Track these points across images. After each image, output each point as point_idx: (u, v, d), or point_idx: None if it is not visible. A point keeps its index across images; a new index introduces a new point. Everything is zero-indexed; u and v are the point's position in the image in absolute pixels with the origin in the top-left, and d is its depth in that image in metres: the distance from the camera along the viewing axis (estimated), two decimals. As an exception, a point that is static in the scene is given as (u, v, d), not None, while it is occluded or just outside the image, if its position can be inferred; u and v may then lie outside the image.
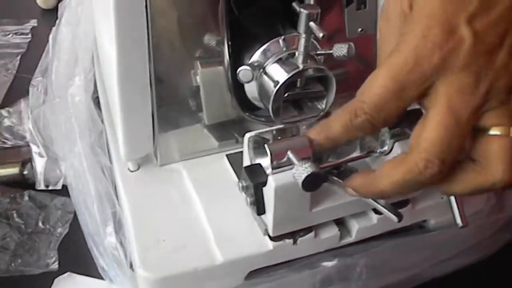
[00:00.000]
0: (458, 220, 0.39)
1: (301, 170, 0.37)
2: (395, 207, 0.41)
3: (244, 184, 0.41)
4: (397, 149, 0.42)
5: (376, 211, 0.45)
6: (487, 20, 0.30)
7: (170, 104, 0.48)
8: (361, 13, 0.49)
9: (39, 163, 0.57)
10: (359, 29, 0.50)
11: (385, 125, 0.35)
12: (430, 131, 0.31)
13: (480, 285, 0.49)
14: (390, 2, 0.35)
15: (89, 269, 0.49)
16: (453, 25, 0.30)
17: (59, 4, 0.66)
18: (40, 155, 0.58)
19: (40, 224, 0.54)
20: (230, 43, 0.46)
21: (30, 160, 0.58)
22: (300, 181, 0.37)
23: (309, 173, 0.37)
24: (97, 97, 0.60)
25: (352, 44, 0.44)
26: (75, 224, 0.54)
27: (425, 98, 0.32)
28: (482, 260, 0.50)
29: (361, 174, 0.38)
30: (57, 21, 0.63)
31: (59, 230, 0.54)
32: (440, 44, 0.30)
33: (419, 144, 0.32)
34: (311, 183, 0.37)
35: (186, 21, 0.45)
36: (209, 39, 0.46)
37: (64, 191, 0.56)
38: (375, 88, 0.33)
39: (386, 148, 0.42)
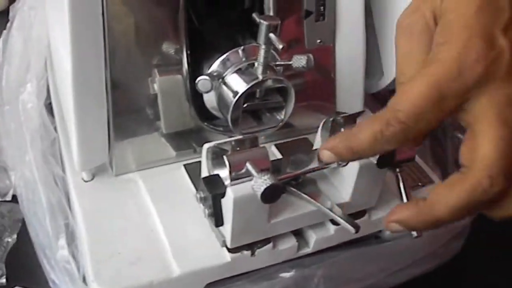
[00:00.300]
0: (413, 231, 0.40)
1: (260, 182, 0.37)
2: (352, 218, 0.42)
3: (202, 195, 0.41)
4: (355, 161, 0.42)
5: (334, 222, 0.45)
6: None
7: (126, 112, 0.47)
8: (320, 25, 0.50)
9: (-13, 173, 0.55)
10: (318, 40, 0.50)
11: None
12: (487, 146, 0.30)
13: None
14: (410, 17, 0.34)
15: (39, 282, 0.47)
16: (491, 36, 0.30)
17: (10, 7, 0.64)
18: (-12, 165, 0.55)
19: (-15, 233, 0.52)
20: (189, 52, 0.46)
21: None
22: (259, 193, 0.37)
23: (268, 185, 0.37)
24: (50, 104, 0.58)
25: (311, 55, 0.45)
26: (24, 233, 0.52)
27: (464, 112, 0.31)
28: (437, 268, 0.51)
29: (406, 206, 0.34)
30: (8, 24, 0.61)
31: (6, 239, 0.52)
32: (484, 54, 0.30)
33: (477, 161, 0.30)
34: (270, 195, 0.37)
35: (144, 28, 0.44)
36: (168, 47, 0.46)
37: (13, 200, 0.54)
38: (413, 96, 0.31)
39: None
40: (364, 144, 0.33)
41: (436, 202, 0.32)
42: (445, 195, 0.31)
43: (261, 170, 0.38)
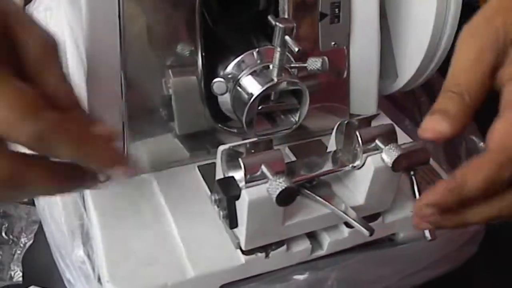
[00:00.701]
0: (427, 234, 0.40)
1: (275, 185, 0.37)
2: (366, 221, 0.41)
3: (217, 197, 0.41)
4: (370, 164, 0.42)
5: (348, 225, 0.45)
6: None
7: (141, 113, 0.47)
8: (335, 27, 0.50)
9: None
10: (332, 43, 0.50)
11: None
12: None
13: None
14: (481, 26, 0.35)
15: (55, 282, 0.48)
16: None
17: (26, 7, 0.65)
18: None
19: (3, 234, 0.53)
20: (203, 53, 0.46)
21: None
22: (274, 196, 0.37)
23: (284, 188, 0.37)
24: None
25: (326, 58, 0.45)
26: (40, 234, 0.52)
27: None
28: (449, 272, 0.51)
29: (435, 189, 0.34)
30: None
31: (23, 240, 0.53)
32: None
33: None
34: (285, 198, 0.37)
35: (159, 29, 0.45)
36: (183, 49, 0.46)
37: (28, 200, 0.55)
38: None
39: (358, 162, 0.43)
40: (476, 190, 0.32)
41: (464, 181, 0.32)
42: (474, 173, 0.32)
43: (276, 173, 0.38)
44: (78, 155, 0.31)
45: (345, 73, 0.53)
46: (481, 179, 0.32)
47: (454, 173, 0.33)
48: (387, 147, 0.41)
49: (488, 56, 0.34)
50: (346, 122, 0.43)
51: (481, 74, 0.34)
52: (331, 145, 0.46)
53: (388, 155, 0.41)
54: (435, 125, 0.34)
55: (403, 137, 0.53)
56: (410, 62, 0.54)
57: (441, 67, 0.55)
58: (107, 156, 0.33)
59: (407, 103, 0.65)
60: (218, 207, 0.41)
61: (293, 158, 0.51)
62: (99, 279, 0.43)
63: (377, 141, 0.41)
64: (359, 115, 0.44)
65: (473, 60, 0.34)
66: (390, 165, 0.41)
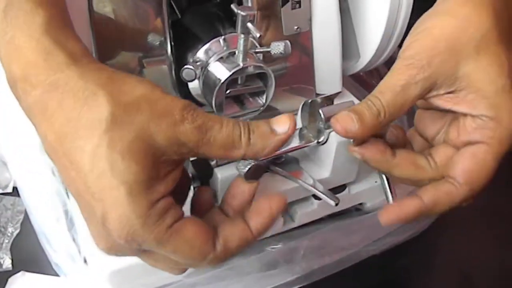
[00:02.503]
0: (391, 201, 0.43)
1: (244, 162, 0.40)
2: (333, 193, 0.45)
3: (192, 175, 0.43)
4: (333, 139, 0.45)
5: (316, 197, 0.48)
6: None
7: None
8: (296, 12, 0.52)
9: (-13, 168, 0.57)
10: (295, 27, 0.53)
11: None
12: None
13: (412, 260, 0.54)
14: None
15: (43, 266, 0.50)
16: None
17: None
18: (-12, 160, 0.58)
19: (-10, 225, 0.55)
20: (172, 43, 0.48)
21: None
22: (243, 172, 0.40)
23: (251, 164, 0.40)
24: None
25: (288, 42, 0.47)
26: (26, 223, 0.55)
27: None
28: (413, 238, 0.54)
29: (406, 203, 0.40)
30: None
31: (10, 230, 0.55)
32: None
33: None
34: (253, 174, 0.40)
35: (130, 23, 0.47)
36: (153, 39, 0.48)
37: (13, 192, 0.57)
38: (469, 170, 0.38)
39: (322, 138, 0.46)
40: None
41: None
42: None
43: None
44: None
45: (309, 56, 0.55)
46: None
47: None
48: None
49: (414, 91, 0.38)
50: (310, 101, 0.46)
51: (402, 105, 0.38)
52: (298, 123, 0.48)
53: None
54: (347, 123, 0.38)
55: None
56: (370, 41, 0.57)
57: (400, 44, 0.58)
58: None
59: (371, 81, 0.68)
60: (193, 185, 0.44)
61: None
62: (84, 260, 0.46)
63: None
64: (323, 95, 0.47)
65: (400, 90, 0.38)
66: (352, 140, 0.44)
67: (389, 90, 0.38)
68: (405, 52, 0.39)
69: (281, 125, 0.37)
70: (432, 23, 0.39)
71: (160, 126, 0.32)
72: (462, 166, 0.38)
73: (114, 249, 0.35)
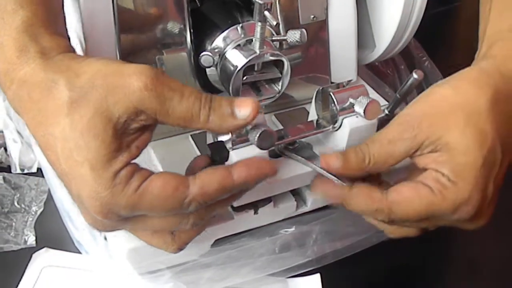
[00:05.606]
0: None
1: (254, 132, 0.41)
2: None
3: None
4: (346, 125, 0.46)
5: (329, 182, 0.49)
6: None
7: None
8: (313, 1, 0.53)
9: (14, 149, 0.60)
10: (312, 16, 0.54)
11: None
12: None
13: (423, 247, 0.55)
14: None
15: (66, 244, 0.52)
16: (487, 188, 0.40)
17: None
18: (14, 141, 0.60)
19: (15, 203, 0.57)
20: (191, 30, 0.50)
21: (4, 145, 0.61)
22: (254, 140, 0.41)
23: (262, 131, 0.41)
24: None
25: (304, 30, 0.48)
26: (49, 202, 0.57)
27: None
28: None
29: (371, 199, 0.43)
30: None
31: (34, 208, 0.57)
32: (478, 206, 0.40)
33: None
34: (264, 140, 0.41)
35: (150, 10, 0.48)
36: (173, 27, 0.50)
37: (38, 172, 0.59)
38: (410, 212, 0.41)
39: (336, 124, 0.47)
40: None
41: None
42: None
43: (254, 126, 0.42)
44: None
45: (325, 45, 0.56)
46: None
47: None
48: (358, 99, 0.45)
49: (400, 147, 0.41)
50: (321, 88, 0.47)
51: (387, 158, 0.42)
52: (312, 111, 0.50)
53: (359, 105, 0.45)
54: (333, 161, 0.43)
55: (383, 103, 0.56)
56: (386, 31, 0.58)
57: (417, 34, 0.59)
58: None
59: (387, 71, 0.68)
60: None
61: (280, 126, 0.55)
62: (105, 238, 0.48)
63: (350, 100, 0.45)
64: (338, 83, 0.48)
65: (387, 143, 0.42)
66: (363, 114, 0.45)
67: (378, 141, 0.42)
68: (403, 111, 0.43)
69: (242, 109, 0.38)
70: (435, 90, 0.43)
71: (116, 97, 0.34)
72: (400, 188, 0.41)
73: (98, 225, 0.37)
